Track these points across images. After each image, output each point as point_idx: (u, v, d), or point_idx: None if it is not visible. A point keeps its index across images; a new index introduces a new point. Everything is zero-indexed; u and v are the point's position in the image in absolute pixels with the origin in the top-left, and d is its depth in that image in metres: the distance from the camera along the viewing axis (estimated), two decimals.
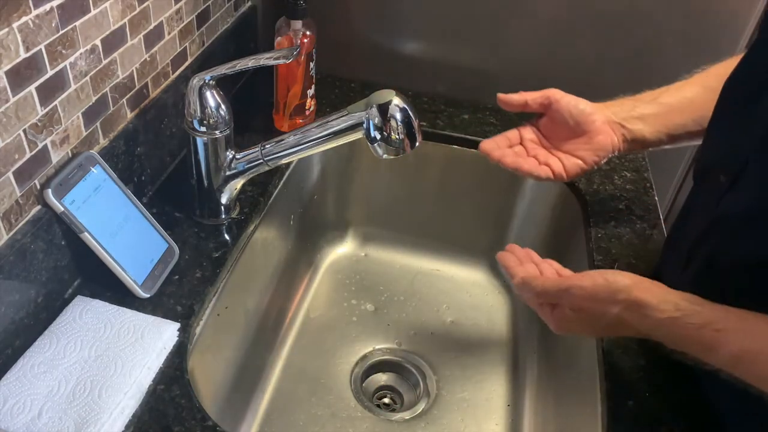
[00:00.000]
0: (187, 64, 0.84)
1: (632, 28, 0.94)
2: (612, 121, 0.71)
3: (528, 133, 0.75)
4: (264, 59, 0.71)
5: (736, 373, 0.50)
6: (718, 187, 0.58)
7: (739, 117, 0.57)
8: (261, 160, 0.72)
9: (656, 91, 0.73)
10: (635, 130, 0.71)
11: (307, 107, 0.93)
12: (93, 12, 0.62)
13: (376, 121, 0.62)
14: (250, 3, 1.01)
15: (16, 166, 0.57)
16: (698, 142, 0.68)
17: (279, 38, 0.86)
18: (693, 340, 0.51)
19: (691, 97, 0.71)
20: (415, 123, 0.63)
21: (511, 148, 0.74)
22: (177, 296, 0.68)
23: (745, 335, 0.49)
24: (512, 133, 0.75)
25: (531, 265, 0.65)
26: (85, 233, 0.62)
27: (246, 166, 0.73)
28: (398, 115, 0.62)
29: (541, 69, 1.00)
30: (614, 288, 0.54)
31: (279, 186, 0.87)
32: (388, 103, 0.62)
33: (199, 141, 0.71)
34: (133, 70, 0.72)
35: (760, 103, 0.54)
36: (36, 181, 0.60)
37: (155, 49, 0.75)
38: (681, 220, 0.69)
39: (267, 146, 0.71)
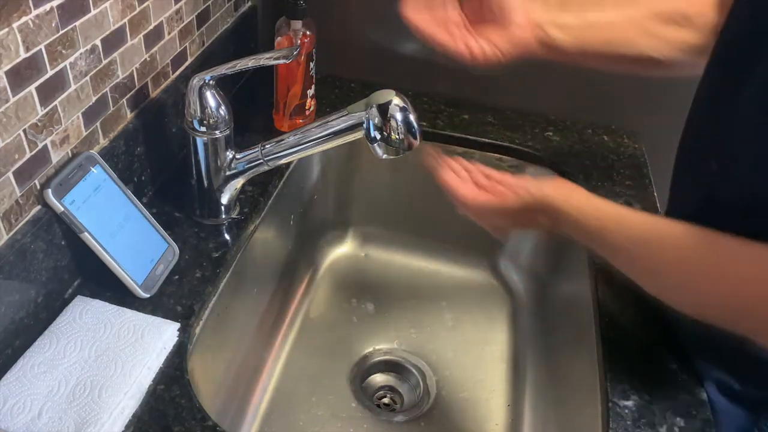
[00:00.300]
0: (187, 64, 0.84)
1: None
2: (534, 21, 0.70)
3: (454, 15, 0.72)
4: (264, 59, 0.71)
5: (613, 264, 0.60)
6: (709, 173, 0.58)
7: (727, 102, 0.57)
8: (261, 160, 0.72)
9: (585, 2, 0.72)
10: (554, 37, 0.70)
11: (307, 107, 0.93)
12: (93, 12, 0.62)
13: (376, 121, 0.62)
14: (250, 3, 1.01)
15: (16, 166, 0.57)
16: (610, 69, 0.71)
17: (279, 38, 0.86)
18: (587, 236, 0.62)
19: (612, 20, 0.71)
20: (415, 123, 0.63)
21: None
22: (177, 296, 0.68)
23: (618, 234, 0.59)
24: (439, 12, 0.72)
25: (470, 185, 0.71)
26: (85, 233, 0.62)
27: (246, 166, 0.73)
28: (398, 115, 0.62)
29: (542, 68, 0.99)
30: (540, 206, 0.65)
31: (279, 186, 0.87)
32: (388, 103, 0.62)
33: (199, 141, 0.71)
34: (133, 70, 0.72)
35: (746, 89, 0.54)
36: (36, 181, 0.60)
37: (155, 49, 0.75)
38: (670, 204, 0.69)
39: (267, 146, 0.71)
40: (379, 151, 0.64)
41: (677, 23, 0.69)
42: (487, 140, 0.97)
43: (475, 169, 0.73)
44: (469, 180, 0.72)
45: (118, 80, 0.69)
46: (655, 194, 0.89)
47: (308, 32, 0.86)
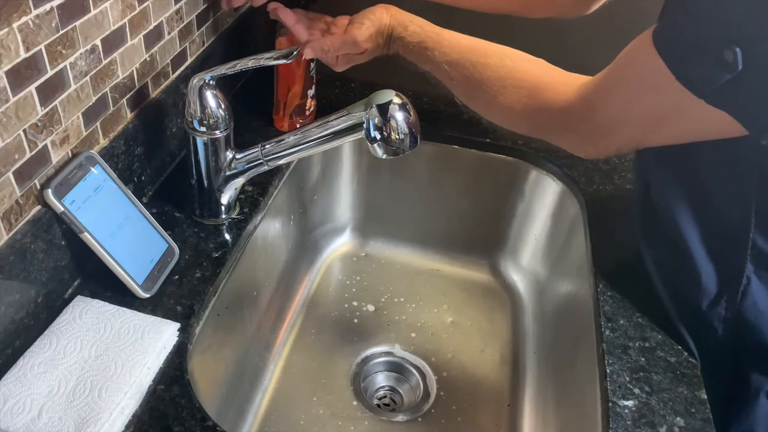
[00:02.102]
0: (187, 64, 0.84)
1: (634, 26, 0.94)
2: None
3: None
4: (264, 59, 0.71)
5: (435, 75, 0.74)
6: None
7: None
8: (261, 160, 0.72)
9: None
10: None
11: (307, 107, 0.93)
12: (93, 12, 0.62)
13: (376, 121, 0.62)
14: (249, 3, 1.01)
15: (16, 166, 0.57)
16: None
17: (279, 38, 0.86)
18: (414, 53, 0.74)
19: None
20: (415, 123, 0.63)
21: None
22: (177, 296, 0.68)
23: (439, 49, 0.72)
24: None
25: (317, 33, 0.79)
26: (85, 233, 0.62)
27: (246, 166, 0.73)
28: (398, 115, 0.62)
29: None
30: (379, 26, 0.75)
31: (279, 186, 0.87)
32: (388, 103, 0.62)
33: (199, 141, 0.71)
34: (133, 70, 0.72)
35: None
36: (36, 181, 0.60)
37: (155, 49, 0.75)
38: None
39: (267, 146, 0.71)
40: (379, 151, 0.64)
41: None
42: (487, 140, 0.97)
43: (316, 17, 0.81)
44: (318, 28, 0.80)
45: (118, 80, 0.69)
46: None
47: None
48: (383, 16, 0.75)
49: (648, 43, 0.54)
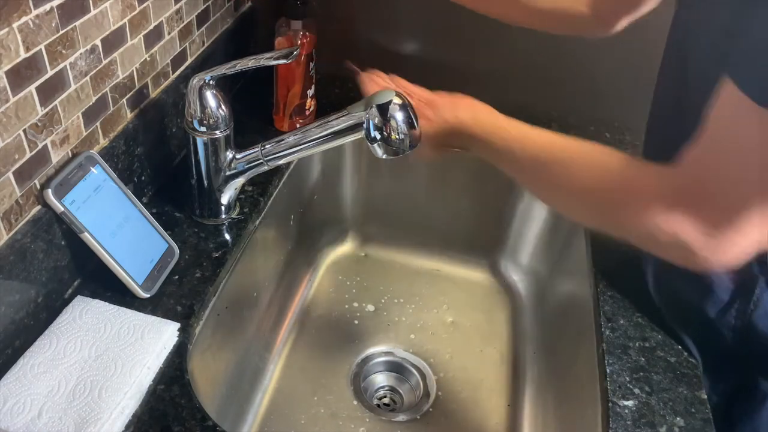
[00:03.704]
0: (187, 64, 0.84)
1: (635, 27, 0.94)
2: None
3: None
4: (264, 59, 0.71)
5: (519, 180, 0.65)
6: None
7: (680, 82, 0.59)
8: (261, 160, 0.71)
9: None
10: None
11: (307, 107, 0.93)
12: (93, 12, 0.62)
13: (376, 121, 0.62)
14: (250, 3, 1.01)
15: (16, 166, 0.57)
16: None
17: (279, 38, 0.86)
18: (492, 154, 0.65)
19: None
20: (416, 123, 0.63)
21: None
22: (177, 296, 0.68)
23: (515, 145, 0.62)
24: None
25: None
26: (85, 233, 0.62)
27: (246, 166, 0.73)
28: (398, 115, 0.62)
29: (543, 68, 1.00)
30: (453, 130, 0.67)
31: (279, 186, 0.87)
32: (388, 103, 0.62)
33: (199, 141, 0.71)
34: (133, 70, 0.72)
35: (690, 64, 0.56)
36: (36, 181, 0.60)
37: (155, 49, 0.75)
38: None
39: (267, 146, 0.71)
40: (379, 151, 0.64)
41: None
42: None
43: (395, 86, 0.73)
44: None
45: (118, 80, 0.69)
46: None
47: (308, 32, 0.86)
48: (466, 119, 0.67)
49: (739, 98, 0.44)
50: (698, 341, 0.67)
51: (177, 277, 0.70)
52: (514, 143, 0.62)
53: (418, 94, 0.71)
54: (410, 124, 0.63)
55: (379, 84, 0.71)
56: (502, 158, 0.63)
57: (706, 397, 0.63)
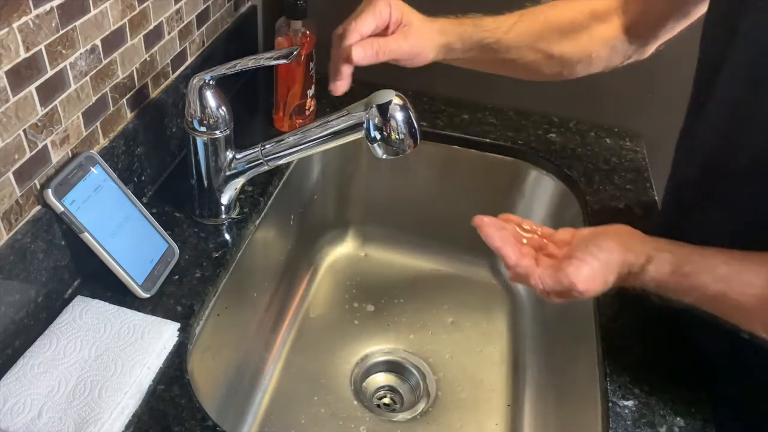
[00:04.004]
0: (187, 64, 0.84)
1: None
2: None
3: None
4: (264, 59, 0.71)
5: (704, 309, 0.55)
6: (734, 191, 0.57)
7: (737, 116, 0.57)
8: (261, 160, 0.71)
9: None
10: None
11: (307, 107, 0.93)
12: (93, 12, 0.62)
13: (376, 121, 0.62)
14: (250, 3, 1.01)
15: (16, 166, 0.57)
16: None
17: (279, 38, 0.86)
18: (666, 286, 0.55)
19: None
20: (415, 123, 0.63)
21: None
22: (177, 296, 0.68)
23: (706, 276, 0.53)
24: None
25: (527, 259, 0.59)
26: (85, 233, 0.62)
27: (246, 166, 0.73)
28: (398, 115, 0.62)
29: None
30: (608, 263, 0.56)
31: (279, 186, 0.87)
32: (388, 103, 0.62)
33: (199, 141, 0.71)
34: (133, 70, 0.72)
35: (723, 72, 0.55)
36: (36, 181, 0.60)
37: (155, 49, 0.75)
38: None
39: (267, 146, 0.71)
40: (379, 151, 0.64)
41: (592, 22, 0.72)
42: (487, 140, 0.97)
43: (527, 230, 0.64)
44: (528, 250, 0.61)
45: (118, 80, 0.69)
46: (656, 198, 0.89)
47: (308, 32, 0.86)
48: (614, 249, 0.56)
49: None
50: (717, 351, 0.65)
51: (177, 277, 0.70)
52: (686, 265, 0.54)
53: (551, 235, 0.62)
54: (410, 124, 0.63)
55: (523, 260, 0.59)
56: (673, 287, 0.55)
57: (706, 397, 0.63)
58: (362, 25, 0.66)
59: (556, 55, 0.73)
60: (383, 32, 0.68)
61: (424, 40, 0.69)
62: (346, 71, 0.66)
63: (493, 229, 0.60)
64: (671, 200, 0.72)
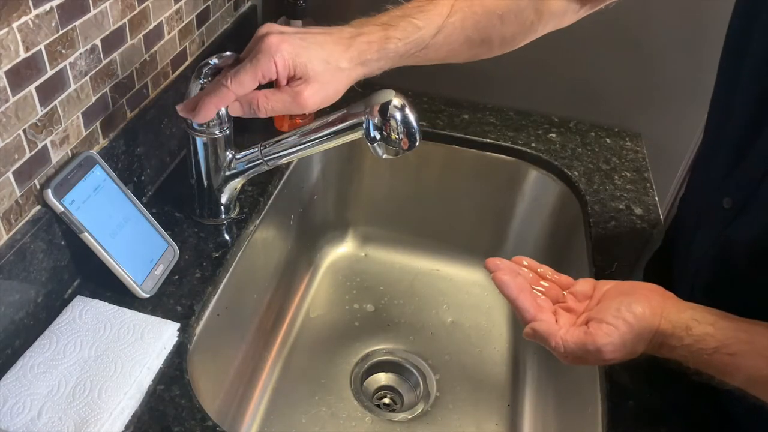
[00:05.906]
0: (187, 64, 0.84)
1: (634, 28, 0.94)
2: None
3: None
4: None
5: (753, 393, 0.49)
6: (722, 211, 0.56)
7: (738, 139, 0.56)
8: (261, 160, 0.71)
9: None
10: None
11: None
12: (93, 12, 0.62)
13: (375, 121, 0.62)
14: (250, 3, 1.01)
15: (16, 166, 0.57)
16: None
17: None
18: (708, 365, 0.50)
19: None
20: (415, 123, 0.63)
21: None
22: (177, 296, 0.68)
23: (757, 359, 0.47)
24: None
25: (547, 314, 0.55)
26: (85, 233, 0.62)
27: (246, 166, 0.73)
28: (398, 115, 0.62)
29: (542, 68, 1.00)
30: (640, 332, 0.51)
31: (279, 186, 0.87)
32: (388, 103, 0.62)
33: (199, 141, 0.71)
34: (132, 70, 0.72)
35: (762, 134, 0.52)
36: (36, 181, 0.60)
37: (155, 49, 0.75)
38: (684, 238, 0.66)
39: (267, 146, 0.71)
40: (378, 151, 0.64)
41: None
42: (487, 140, 0.97)
43: (544, 279, 0.60)
44: (547, 303, 0.57)
45: (118, 80, 0.69)
46: (656, 198, 0.89)
47: None
48: (647, 316, 0.51)
49: None
50: None
51: (177, 277, 0.70)
52: (729, 338, 0.49)
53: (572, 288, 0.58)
54: (410, 124, 0.63)
55: (543, 314, 0.55)
56: (714, 362, 0.50)
57: (706, 396, 0.63)
58: (238, 87, 0.59)
59: (496, 42, 0.68)
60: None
61: (329, 85, 0.60)
62: (212, 111, 0.61)
63: (508, 275, 0.55)
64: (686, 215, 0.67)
